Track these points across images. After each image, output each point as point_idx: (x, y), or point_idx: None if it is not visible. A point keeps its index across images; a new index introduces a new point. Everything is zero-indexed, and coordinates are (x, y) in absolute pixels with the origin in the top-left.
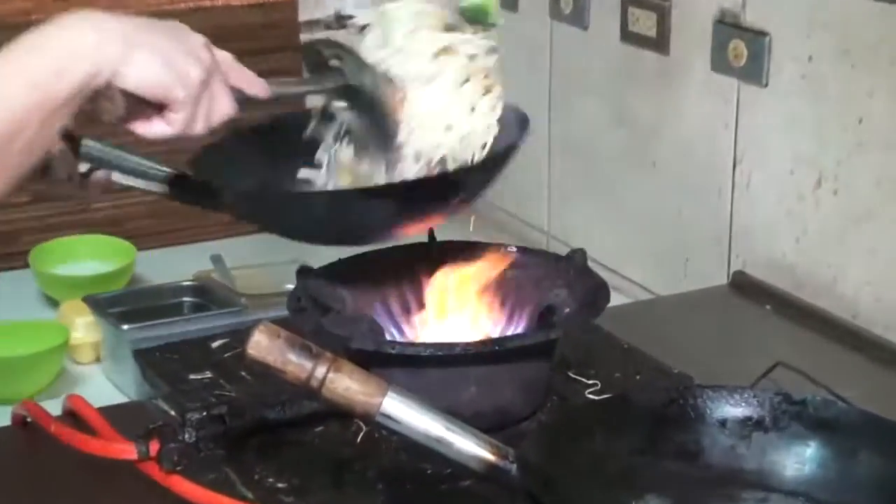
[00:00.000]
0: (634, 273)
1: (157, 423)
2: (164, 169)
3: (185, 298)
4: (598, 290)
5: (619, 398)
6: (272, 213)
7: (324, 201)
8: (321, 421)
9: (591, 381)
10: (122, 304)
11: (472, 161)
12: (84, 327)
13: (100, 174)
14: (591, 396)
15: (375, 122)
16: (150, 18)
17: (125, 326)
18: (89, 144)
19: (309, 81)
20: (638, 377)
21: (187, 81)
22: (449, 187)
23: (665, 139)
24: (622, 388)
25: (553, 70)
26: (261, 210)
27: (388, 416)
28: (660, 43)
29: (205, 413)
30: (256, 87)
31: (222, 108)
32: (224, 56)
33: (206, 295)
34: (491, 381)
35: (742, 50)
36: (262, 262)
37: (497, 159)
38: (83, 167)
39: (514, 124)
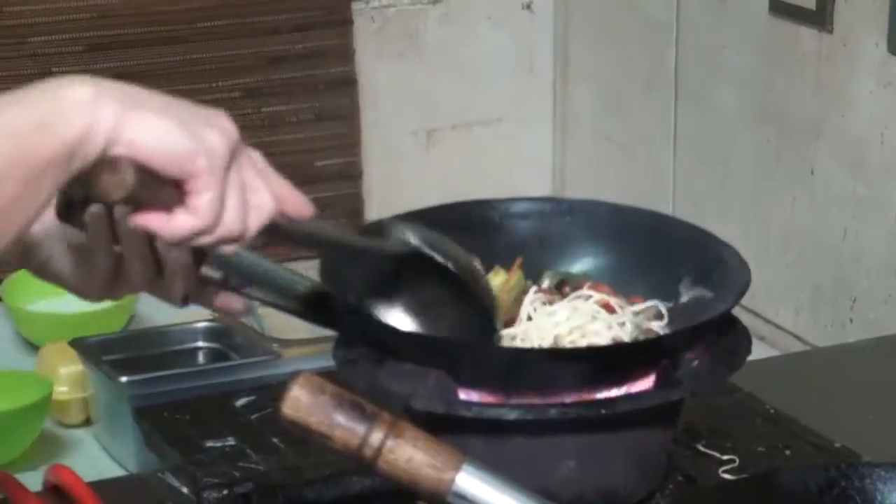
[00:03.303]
0: (784, 317)
1: (164, 503)
2: (299, 284)
3: (201, 343)
4: (735, 339)
5: (762, 479)
6: (448, 361)
7: (520, 358)
8: (377, 502)
9: (726, 457)
10: (119, 350)
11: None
12: (70, 379)
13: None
14: (726, 476)
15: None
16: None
17: (123, 379)
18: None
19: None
20: (787, 452)
21: (209, 148)
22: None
23: (826, 140)
24: (767, 466)
25: (680, 51)
26: (434, 356)
27: (463, 497)
28: (820, 16)
29: (226, 491)
30: (298, 202)
31: (261, 203)
32: (255, 155)
33: (228, 339)
34: (595, 454)
35: None
36: None
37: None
38: (214, 274)
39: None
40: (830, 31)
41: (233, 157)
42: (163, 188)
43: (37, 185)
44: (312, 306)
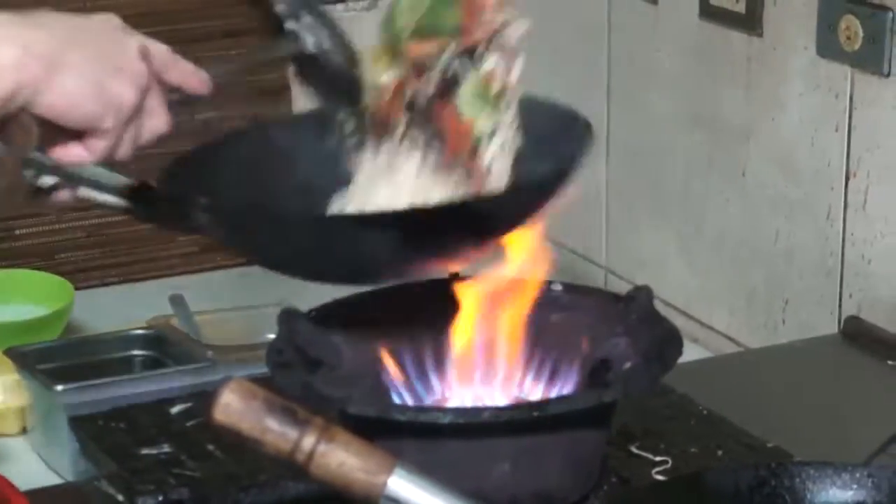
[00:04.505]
0: (717, 319)
1: None
2: (123, 179)
3: (136, 352)
4: (667, 341)
5: (694, 479)
6: (258, 238)
7: (324, 225)
8: None
9: (659, 458)
10: (55, 359)
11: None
12: (6, 388)
13: (62, 190)
14: (659, 477)
15: (344, 104)
16: (81, 20)
17: (59, 387)
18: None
19: (252, 53)
20: (719, 452)
21: (117, 108)
22: (480, 217)
23: (757, 143)
24: (699, 466)
25: (613, 55)
26: (243, 233)
27: (396, 500)
28: (750, 20)
29: (160, 498)
30: (195, 82)
31: (154, 127)
32: (159, 51)
33: (163, 347)
34: (530, 456)
35: (856, 29)
36: (235, 304)
37: (544, 182)
38: (47, 181)
39: (569, 135)
40: (760, 35)
41: (138, 105)
42: (64, 128)
43: None
44: (135, 197)
